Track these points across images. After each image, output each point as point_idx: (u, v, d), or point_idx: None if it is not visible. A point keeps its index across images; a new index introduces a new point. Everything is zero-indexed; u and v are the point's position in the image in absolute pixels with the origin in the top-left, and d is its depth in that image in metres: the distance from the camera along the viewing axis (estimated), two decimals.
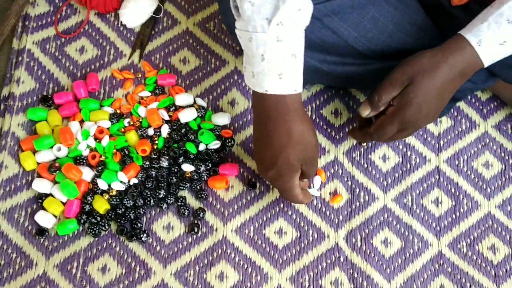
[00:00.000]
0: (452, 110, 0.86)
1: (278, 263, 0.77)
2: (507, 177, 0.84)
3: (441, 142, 0.85)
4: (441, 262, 0.79)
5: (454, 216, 0.81)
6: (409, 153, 0.84)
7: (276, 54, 0.62)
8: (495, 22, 0.64)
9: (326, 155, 0.83)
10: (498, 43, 0.65)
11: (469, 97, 0.88)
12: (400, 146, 0.84)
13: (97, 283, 0.75)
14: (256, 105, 0.68)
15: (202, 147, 0.80)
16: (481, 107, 0.87)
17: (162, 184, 0.78)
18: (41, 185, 0.77)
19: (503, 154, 0.85)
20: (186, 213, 0.78)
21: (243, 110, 0.85)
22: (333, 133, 0.84)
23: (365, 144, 0.83)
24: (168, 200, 0.78)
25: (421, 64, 0.67)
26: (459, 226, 0.81)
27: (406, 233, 0.80)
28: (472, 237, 0.80)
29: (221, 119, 0.82)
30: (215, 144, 0.80)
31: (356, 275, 0.77)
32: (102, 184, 0.77)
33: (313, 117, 0.85)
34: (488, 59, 0.66)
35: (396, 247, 0.79)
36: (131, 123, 0.82)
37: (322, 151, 0.83)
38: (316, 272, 0.77)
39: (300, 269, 0.77)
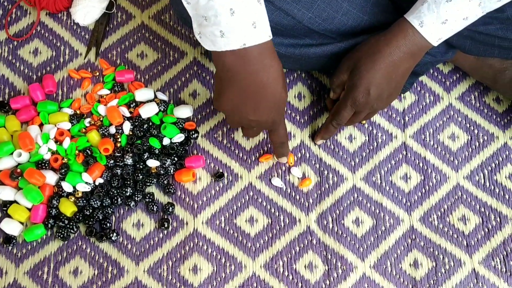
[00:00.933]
0: (415, 85, 0.86)
1: (251, 251, 0.77)
2: (474, 147, 0.84)
3: (406, 118, 0.85)
4: (414, 237, 0.79)
5: (423, 190, 0.82)
6: (375, 131, 0.84)
7: (245, 4, 0.59)
8: (434, 2, 0.65)
9: (292, 139, 0.83)
10: (440, 23, 0.66)
11: (431, 71, 0.88)
12: (366, 125, 0.84)
13: (70, 286, 0.74)
14: (233, 66, 0.62)
15: (166, 141, 0.79)
16: (443, 80, 0.87)
17: (128, 182, 0.77)
18: (4, 193, 0.76)
19: (468, 125, 0.85)
20: (155, 209, 0.77)
21: (205, 100, 0.84)
22: (298, 117, 0.84)
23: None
24: (136, 198, 0.77)
25: (364, 49, 0.72)
26: (429, 200, 0.81)
27: (377, 211, 0.80)
28: (442, 210, 0.81)
29: (184, 111, 0.81)
30: (179, 138, 0.79)
31: (329, 256, 0.77)
32: (67, 186, 0.76)
33: None
34: (434, 38, 0.68)
35: (367, 225, 0.79)
36: (92, 122, 0.80)
37: (288, 135, 0.82)
38: (289, 257, 0.77)
39: (273, 256, 0.77)
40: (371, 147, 0.83)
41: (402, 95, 0.86)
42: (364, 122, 0.84)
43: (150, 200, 0.77)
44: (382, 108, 0.75)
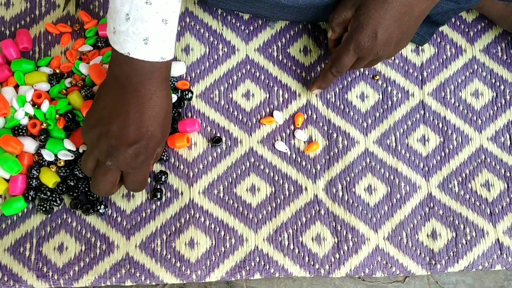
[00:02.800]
0: (434, 36, 0.77)
1: (253, 223, 0.70)
2: (499, 105, 0.76)
3: (425, 73, 0.76)
4: (432, 205, 0.72)
5: (443, 154, 0.74)
6: (389, 88, 0.75)
7: (143, 17, 0.53)
8: None
9: (297, 99, 0.74)
10: None
11: (452, 20, 0.78)
12: (379, 82, 0.75)
13: (55, 263, 0.68)
14: (115, 66, 0.58)
15: None
16: (467, 30, 0.78)
17: None
18: None
19: (493, 81, 0.77)
20: None
21: (200, 56, 0.75)
22: (304, 74, 0.75)
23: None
24: None
25: None
26: (449, 164, 0.73)
27: (392, 177, 0.72)
28: (464, 175, 0.73)
29: (176, 69, 0.73)
30: None
31: (339, 228, 0.70)
32: (47, 155, 0.69)
33: (280, 57, 0.75)
34: None
35: (381, 193, 0.72)
36: (73, 83, 0.72)
37: (293, 95, 0.74)
38: (295, 228, 0.70)
39: (277, 227, 0.70)
40: (385, 107, 0.75)
41: (420, 47, 0.77)
42: (377, 77, 0.75)
43: None
44: (388, 57, 0.66)
